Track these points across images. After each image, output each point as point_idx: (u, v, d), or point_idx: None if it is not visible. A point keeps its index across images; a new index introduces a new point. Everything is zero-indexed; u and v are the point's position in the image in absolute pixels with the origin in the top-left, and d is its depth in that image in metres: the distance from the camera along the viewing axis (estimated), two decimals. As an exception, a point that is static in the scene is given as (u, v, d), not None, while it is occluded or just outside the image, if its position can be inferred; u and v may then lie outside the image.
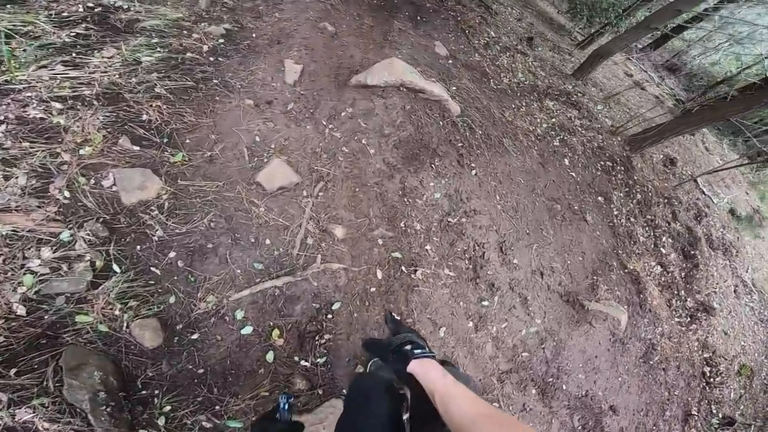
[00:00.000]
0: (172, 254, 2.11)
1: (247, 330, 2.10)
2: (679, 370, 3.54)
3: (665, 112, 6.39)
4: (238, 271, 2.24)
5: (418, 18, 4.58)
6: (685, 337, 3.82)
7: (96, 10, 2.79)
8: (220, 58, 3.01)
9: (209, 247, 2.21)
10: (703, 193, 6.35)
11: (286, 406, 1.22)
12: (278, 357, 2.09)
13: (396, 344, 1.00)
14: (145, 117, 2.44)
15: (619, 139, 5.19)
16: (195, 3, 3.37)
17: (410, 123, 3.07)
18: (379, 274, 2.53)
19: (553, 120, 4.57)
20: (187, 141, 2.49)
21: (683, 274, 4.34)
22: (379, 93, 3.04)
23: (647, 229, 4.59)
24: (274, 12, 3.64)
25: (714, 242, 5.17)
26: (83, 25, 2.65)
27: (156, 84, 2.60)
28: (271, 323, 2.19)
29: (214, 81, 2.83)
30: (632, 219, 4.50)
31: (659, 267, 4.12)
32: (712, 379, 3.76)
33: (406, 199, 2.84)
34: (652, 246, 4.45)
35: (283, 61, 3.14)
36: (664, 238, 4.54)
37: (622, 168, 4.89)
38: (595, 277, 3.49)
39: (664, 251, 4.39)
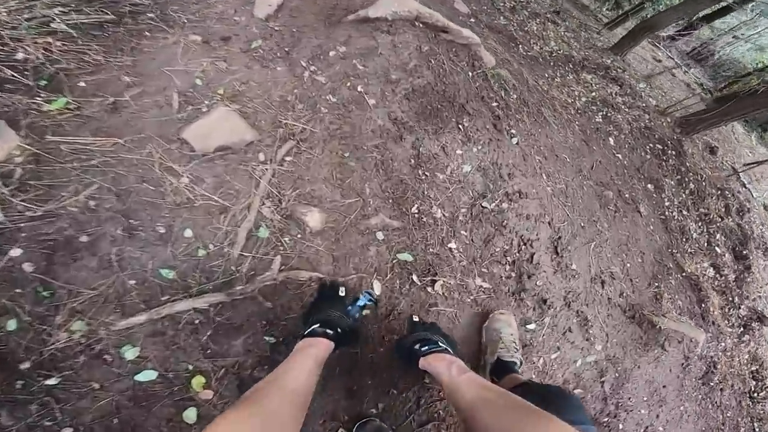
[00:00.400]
0: (15, 252, 1.13)
1: (148, 375, 1.14)
2: (732, 389, 2.56)
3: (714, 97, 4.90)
4: (132, 281, 1.21)
5: (436, -27, 3.26)
6: (737, 350, 2.79)
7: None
8: None
9: (82, 242, 1.21)
10: (744, 186, 4.79)
11: (363, 304, 1.06)
12: (205, 416, 1.14)
13: (408, 345, 0.91)
14: (21, 56, 1.44)
15: (669, 120, 3.94)
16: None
17: (428, 69, 1.83)
18: (377, 287, 1.45)
19: (593, 94, 3.40)
20: (81, 84, 1.47)
21: (735, 277, 3.30)
22: (385, 28, 1.80)
23: (700, 224, 3.43)
24: None
25: (756, 240, 4.01)
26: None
27: (54, 19, 1.58)
28: (190, 366, 1.19)
29: (148, 15, 1.79)
30: (684, 212, 3.33)
31: (712, 269, 3.10)
32: (756, 394, 2.81)
33: (420, 172, 1.64)
34: (705, 244, 3.31)
35: None
36: (717, 236, 3.43)
37: (674, 152, 3.73)
38: (656, 284, 2.41)
39: (718, 251, 3.30)
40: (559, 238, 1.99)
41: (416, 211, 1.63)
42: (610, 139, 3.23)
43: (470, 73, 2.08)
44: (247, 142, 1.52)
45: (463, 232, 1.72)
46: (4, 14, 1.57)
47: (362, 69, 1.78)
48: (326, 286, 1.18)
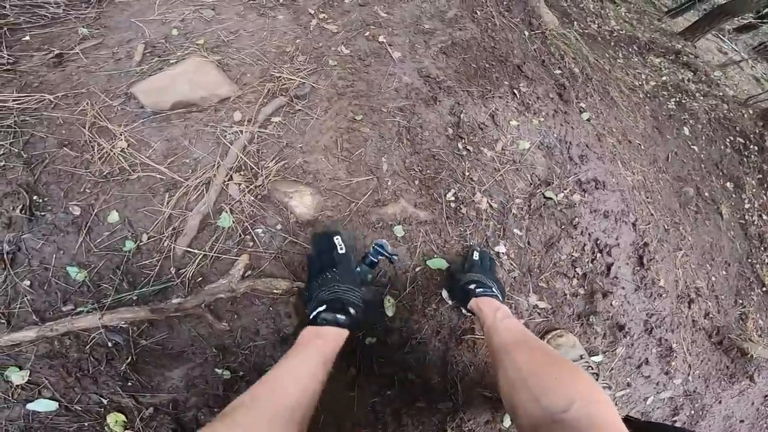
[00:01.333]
0: None
1: (46, 405, 0.77)
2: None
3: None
4: (26, 282, 0.82)
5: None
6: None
7: None
8: None
9: None
10: None
11: (374, 261, 0.87)
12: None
13: (464, 281, 0.89)
14: None
15: (751, 112, 3.37)
16: None
17: (472, 21, 1.36)
18: (390, 309, 0.99)
19: (664, 78, 2.86)
20: (26, 39, 1.16)
21: None
22: None
23: None
24: None
25: None
26: None
27: None
28: (104, 399, 0.79)
29: None
30: (765, 216, 2.73)
31: None
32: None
33: (460, 146, 1.15)
34: None
35: None
36: None
37: (756, 148, 3.02)
38: (741, 302, 1.92)
39: None
40: (646, 244, 1.41)
41: (452, 198, 1.12)
42: (685, 128, 2.63)
43: (527, 32, 1.56)
44: (220, 98, 1.08)
45: (516, 231, 1.19)
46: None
47: (386, 17, 1.32)
48: (322, 239, 0.90)
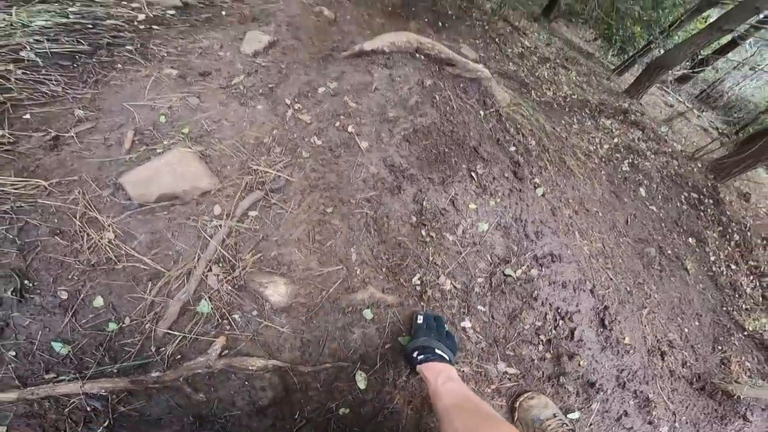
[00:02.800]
0: None
1: None
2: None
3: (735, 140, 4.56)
4: (11, 353, 0.90)
5: (440, 23, 3.22)
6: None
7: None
8: (155, 26, 1.80)
9: None
10: None
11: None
12: None
13: (408, 351, 0.95)
14: None
15: (700, 165, 3.64)
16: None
17: (432, 106, 1.51)
18: (361, 383, 1.09)
19: (616, 140, 3.07)
20: (26, 117, 1.23)
21: None
22: (382, 61, 1.53)
23: (752, 278, 3.03)
24: None
25: None
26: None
27: (26, 47, 1.40)
28: None
29: (127, 47, 1.59)
30: (733, 266, 2.94)
31: None
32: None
33: (424, 232, 1.26)
34: (761, 298, 2.90)
35: (246, 32, 1.67)
36: None
37: (711, 201, 3.28)
38: (721, 347, 2.09)
39: None
40: (606, 308, 1.55)
41: (418, 282, 1.22)
42: (641, 189, 2.85)
43: (482, 112, 1.73)
44: (201, 191, 1.17)
45: (480, 307, 1.30)
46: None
47: (354, 106, 1.45)
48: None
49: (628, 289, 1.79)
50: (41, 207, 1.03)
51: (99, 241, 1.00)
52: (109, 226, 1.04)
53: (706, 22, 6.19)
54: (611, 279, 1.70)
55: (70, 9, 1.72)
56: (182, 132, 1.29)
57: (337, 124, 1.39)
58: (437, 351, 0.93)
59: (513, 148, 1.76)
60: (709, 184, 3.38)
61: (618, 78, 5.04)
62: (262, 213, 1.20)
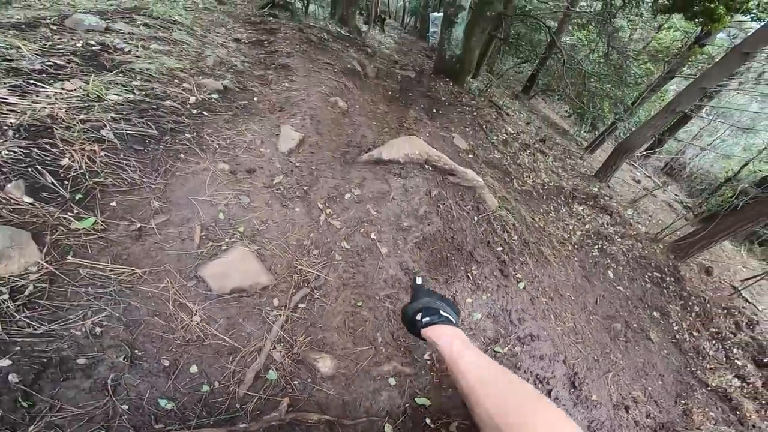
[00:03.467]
0: (3, 363, 1.18)
1: None
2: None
3: (696, 217, 5.70)
4: (125, 406, 1.26)
5: (434, 110, 4.03)
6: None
7: (94, 47, 2.34)
8: (204, 112, 2.33)
9: (79, 363, 1.27)
10: (747, 301, 5.52)
11: None
12: None
13: (410, 314, 0.93)
14: (65, 161, 1.64)
15: (662, 246, 4.53)
16: (202, 59, 2.69)
17: (437, 215, 2.16)
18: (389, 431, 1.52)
19: (587, 227, 3.85)
20: (113, 204, 1.65)
21: (762, 383, 3.69)
22: (397, 171, 2.17)
23: (714, 342, 3.95)
24: (284, 82, 3.11)
25: None
26: (67, 57, 2.14)
27: (106, 125, 1.84)
28: None
29: (186, 135, 2.08)
30: (695, 333, 3.83)
31: (737, 380, 3.52)
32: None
33: None
34: (724, 359, 3.80)
35: (280, 126, 2.30)
36: (735, 350, 3.91)
37: (672, 279, 4.20)
38: (683, 401, 2.77)
39: (739, 363, 3.76)
40: (576, 373, 2.14)
41: (429, 358, 1.72)
42: (609, 272, 3.66)
43: (476, 217, 2.41)
44: (262, 286, 1.66)
45: None
46: (63, 111, 1.80)
47: (375, 215, 2.02)
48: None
49: (596, 357, 2.42)
50: (139, 291, 1.49)
51: (190, 323, 1.47)
52: (196, 312, 1.50)
53: (663, 99, 7.77)
54: (581, 351, 2.32)
55: (134, 83, 2.25)
56: (239, 230, 1.81)
57: (362, 230, 1.98)
58: (443, 312, 0.92)
59: (500, 248, 2.44)
60: (671, 264, 4.23)
61: (590, 155, 6.23)
62: (309, 305, 1.71)
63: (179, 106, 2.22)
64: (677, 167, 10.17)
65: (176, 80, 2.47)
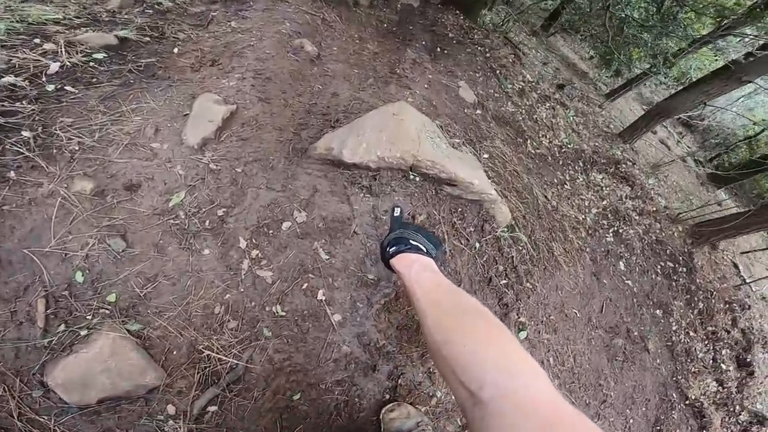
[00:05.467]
0: None
1: None
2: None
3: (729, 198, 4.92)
4: None
5: (438, 49, 3.04)
6: (736, 456, 2.94)
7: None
8: (68, 87, 1.51)
9: None
10: (744, 282, 4.97)
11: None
12: None
13: (383, 247, 0.91)
14: None
15: (680, 229, 3.99)
16: (104, 1, 1.70)
17: None
18: None
19: (604, 202, 3.34)
20: None
21: (736, 384, 3.44)
22: (365, 183, 1.45)
23: (707, 343, 3.50)
24: (230, 20, 2.19)
25: (756, 335, 4.07)
26: None
27: None
28: None
29: (22, 134, 1.32)
30: (692, 333, 3.37)
31: (715, 383, 3.26)
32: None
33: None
34: (711, 361, 3.43)
35: (196, 97, 1.44)
36: (724, 351, 3.55)
37: (684, 270, 3.61)
38: (658, 428, 2.50)
39: (723, 367, 3.44)
40: None
41: None
42: (621, 263, 3.11)
43: (477, 244, 1.74)
44: (147, 388, 1.10)
45: None
46: None
47: (326, 260, 1.38)
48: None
49: (588, 400, 2.09)
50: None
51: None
52: (55, 427, 0.98)
53: (715, 60, 6.30)
54: (574, 396, 1.99)
55: None
56: (108, 301, 1.13)
57: (305, 286, 1.31)
58: (411, 241, 0.87)
59: (504, 281, 1.80)
60: (686, 250, 3.75)
61: (610, 103, 5.12)
62: (223, 408, 1.14)
63: (25, 84, 1.36)
64: (696, 119, 8.82)
65: (39, 40, 1.60)
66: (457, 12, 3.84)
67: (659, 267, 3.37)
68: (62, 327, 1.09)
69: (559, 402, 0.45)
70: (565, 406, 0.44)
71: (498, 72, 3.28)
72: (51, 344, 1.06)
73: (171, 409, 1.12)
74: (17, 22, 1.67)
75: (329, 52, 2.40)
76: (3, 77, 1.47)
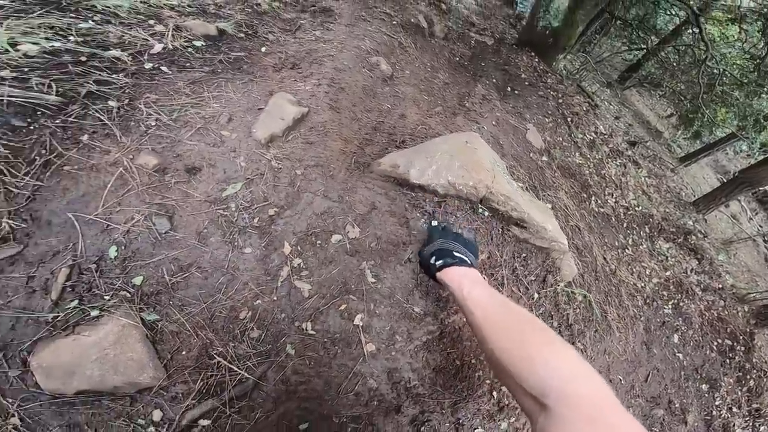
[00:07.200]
0: None
1: None
2: None
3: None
4: None
5: (509, 89, 2.80)
6: None
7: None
8: (164, 68, 1.44)
9: None
10: None
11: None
12: None
13: (426, 258, 0.89)
14: None
15: (746, 309, 3.42)
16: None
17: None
18: None
19: (667, 273, 2.81)
20: None
21: None
22: (429, 208, 1.20)
23: (747, 419, 2.97)
24: (315, 30, 2.08)
25: None
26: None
27: None
28: None
29: (110, 103, 1.23)
30: (734, 409, 2.85)
31: None
32: None
33: None
34: None
35: (273, 95, 1.30)
36: (762, 429, 3.00)
37: (743, 349, 3.08)
38: None
39: None
40: None
41: None
42: (675, 336, 2.59)
43: (536, 294, 1.39)
44: (139, 387, 0.89)
45: None
46: None
47: (372, 283, 1.12)
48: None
49: None
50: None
51: (3, 425, 0.75)
52: (15, 411, 0.80)
53: None
54: None
55: (81, 25, 1.37)
56: (133, 283, 0.97)
57: (343, 307, 1.06)
58: (456, 254, 0.86)
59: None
60: (748, 330, 3.14)
61: (684, 168, 4.54)
62: (217, 424, 0.91)
63: (127, 59, 1.32)
64: (773, 197, 7.60)
65: (153, 22, 1.57)
66: (532, 54, 3.55)
67: (716, 344, 2.83)
68: (74, 303, 0.91)
69: (616, 406, 0.45)
70: (623, 411, 0.44)
71: (569, 119, 2.93)
72: (55, 320, 0.88)
73: (157, 415, 0.89)
74: (141, 2, 1.71)
75: (401, 75, 2.25)
76: (110, 50, 1.45)
